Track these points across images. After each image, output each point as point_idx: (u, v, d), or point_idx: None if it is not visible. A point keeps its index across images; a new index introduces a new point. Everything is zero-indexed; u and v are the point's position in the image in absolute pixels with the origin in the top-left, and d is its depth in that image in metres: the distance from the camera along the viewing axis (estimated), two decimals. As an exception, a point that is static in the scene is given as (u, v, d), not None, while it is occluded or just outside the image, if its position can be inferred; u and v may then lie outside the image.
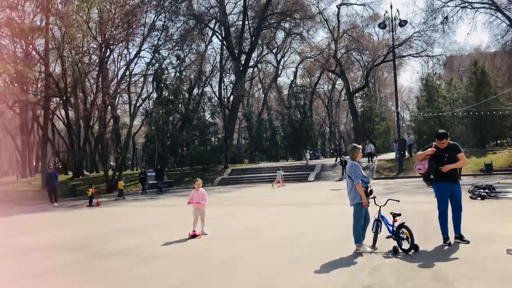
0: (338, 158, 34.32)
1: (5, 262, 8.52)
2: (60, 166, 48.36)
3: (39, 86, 44.75)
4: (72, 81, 39.55)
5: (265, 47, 55.84)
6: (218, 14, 45.11)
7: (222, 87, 49.92)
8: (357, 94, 56.87)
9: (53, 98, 42.69)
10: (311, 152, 43.57)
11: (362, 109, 55.15)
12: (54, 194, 22.70)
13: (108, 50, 38.46)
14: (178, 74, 44.44)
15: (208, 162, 41.27)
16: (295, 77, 63.03)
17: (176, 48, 39.93)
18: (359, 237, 7.49)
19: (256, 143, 55.77)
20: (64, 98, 39.78)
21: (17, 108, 41.82)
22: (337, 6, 52.72)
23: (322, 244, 8.48)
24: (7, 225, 15.71)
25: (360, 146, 7.94)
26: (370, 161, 33.75)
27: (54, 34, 37.14)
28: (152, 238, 10.49)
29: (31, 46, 39.54)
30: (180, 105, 44.01)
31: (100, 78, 38.20)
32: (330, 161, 40.47)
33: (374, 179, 28.22)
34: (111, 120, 48.43)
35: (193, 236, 9.94)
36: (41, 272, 7.46)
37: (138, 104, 36.53)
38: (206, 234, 10.22)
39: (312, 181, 32.04)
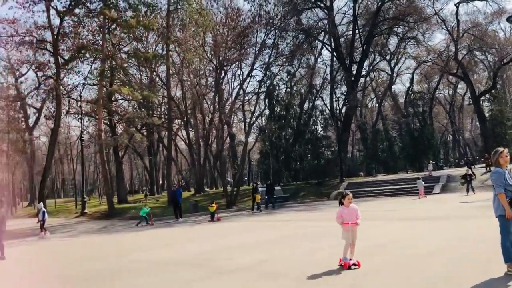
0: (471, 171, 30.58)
1: (140, 276, 8.87)
2: (183, 184, 51.51)
3: (162, 109, 48.32)
4: (192, 103, 42.00)
5: (377, 55, 53.85)
6: (327, 26, 44.66)
7: (334, 99, 49.10)
8: (483, 97, 51.92)
9: (175, 120, 45.68)
10: (433, 162, 40.43)
11: (490, 113, 50.13)
12: (179, 210, 23.90)
13: (223, 71, 40.19)
14: (289, 89, 44.73)
15: (323, 176, 40.59)
16: (411, 83, 59.63)
17: (286, 63, 40.32)
18: (507, 254, 6.35)
19: (372, 155, 53.62)
20: (185, 119, 42.39)
21: (145, 131, 45.60)
22: (455, 5, 49.03)
23: (461, 262, 7.43)
24: (137, 239, 16.77)
25: (503, 149, 6.74)
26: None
27: (174, 60, 39.90)
28: (273, 253, 10.26)
29: (154, 73, 42.96)
30: (292, 120, 44.11)
31: (216, 99, 40.00)
32: (456, 171, 37.13)
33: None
34: (228, 138, 50.34)
35: (349, 267, 7.64)
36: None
37: (252, 121, 37.39)
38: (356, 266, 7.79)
39: (438, 193, 29.70)
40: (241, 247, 11.82)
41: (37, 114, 54.12)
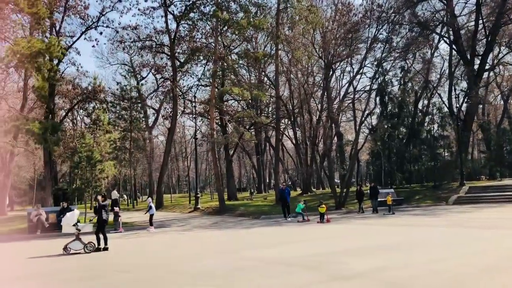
0: None
1: (254, 276, 8.68)
2: (289, 183, 51.52)
3: (270, 109, 48.82)
4: (299, 102, 41.74)
5: (504, 47, 48.52)
6: (446, 17, 41.31)
7: (453, 96, 45.26)
8: None
9: (283, 119, 45.83)
10: None
11: None
12: (287, 209, 23.71)
13: (331, 69, 39.25)
14: (402, 86, 42.18)
15: (440, 179, 37.57)
16: (545, 77, 52.85)
17: (400, 59, 38.08)
18: None
19: (496, 157, 48.45)
20: (292, 118, 42.26)
21: (253, 130, 46.46)
22: None
23: None
24: (248, 236, 16.84)
25: None
26: None
27: (282, 60, 39.99)
28: (392, 260, 9.43)
29: (263, 72, 43.51)
30: (405, 118, 41.47)
31: (324, 97, 39.23)
32: None
33: None
34: (335, 137, 49.15)
35: None
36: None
37: (362, 119, 35.81)
38: None
39: None
40: (354, 251, 11.13)
41: (155, 114, 58.27)
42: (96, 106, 33.19)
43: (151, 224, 20.89)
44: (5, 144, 24.42)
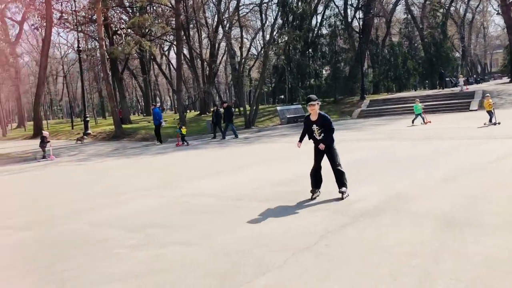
0: None
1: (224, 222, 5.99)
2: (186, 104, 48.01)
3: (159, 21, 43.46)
4: (192, 12, 37.29)
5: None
6: None
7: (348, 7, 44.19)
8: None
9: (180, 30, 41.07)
10: (464, 78, 37.54)
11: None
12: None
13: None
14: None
15: (340, 93, 37.51)
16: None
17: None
18: None
19: (383, 71, 50.05)
20: (187, 32, 37.89)
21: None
22: None
23: None
24: (163, 164, 13.88)
25: None
26: None
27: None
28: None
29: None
30: (307, 31, 39.61)
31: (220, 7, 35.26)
32: (487, 86, 34.55)
33: None
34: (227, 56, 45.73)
35: None
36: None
37: (271, 34, 32.59)
38: None
39: (476, 110, 27.11)
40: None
41: (18, 28, 49.00)
42: None
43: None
44: None
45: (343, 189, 6.51)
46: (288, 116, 28.57)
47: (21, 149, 21.77)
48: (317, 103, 6.58)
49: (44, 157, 18.20)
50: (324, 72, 39.68)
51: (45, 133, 19.65)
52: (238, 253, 4.59)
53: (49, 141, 18.68)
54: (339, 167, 6.56)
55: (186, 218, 6.29)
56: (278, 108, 30.36)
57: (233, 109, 23.23)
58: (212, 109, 23.64)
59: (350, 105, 35.09)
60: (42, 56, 28.65)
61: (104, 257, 4.82)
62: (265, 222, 5.69)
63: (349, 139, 15.94)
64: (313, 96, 6.60)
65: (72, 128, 35.18)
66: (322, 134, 6.52)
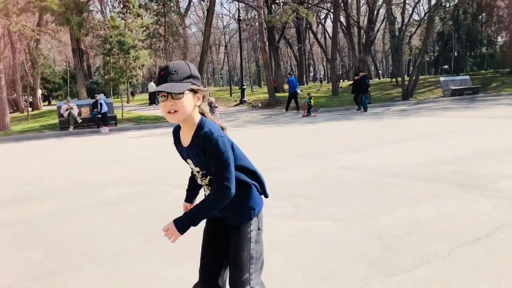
0: None
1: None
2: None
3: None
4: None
5: None
6: None
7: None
8: None
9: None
10: None
11: None
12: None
13: None
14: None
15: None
16: None
17: None
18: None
19: None
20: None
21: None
22: None
23: None
24: (316, 134, 13.64)
25: None
26: None
27: None
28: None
29: None
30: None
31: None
32: None
33: None
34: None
35: None
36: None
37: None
38: None
39: None
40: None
41: (187, 1, 53.12)
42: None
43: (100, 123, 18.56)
44: (24, 27, 21.09)
45: None
46: (452, 88, 25.92)
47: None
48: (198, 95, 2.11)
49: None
50: (499, 39, 34.70)
51: (211, 99, 20.93)
52: (393, 237, 4.12)
53: (217, 107, 19.68)
54: None
55: (335, 193, 5.97)
56: (441, 78, 27.73)
57: (368, 80, 21.72)
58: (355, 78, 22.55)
59: (531, 77, 30.25)
60: (206, 26, 30.60)
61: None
62: (423, 205, 5.08)
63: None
64: (174, 75, 1.99)
65: (231, 95, 37.29)
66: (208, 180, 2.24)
